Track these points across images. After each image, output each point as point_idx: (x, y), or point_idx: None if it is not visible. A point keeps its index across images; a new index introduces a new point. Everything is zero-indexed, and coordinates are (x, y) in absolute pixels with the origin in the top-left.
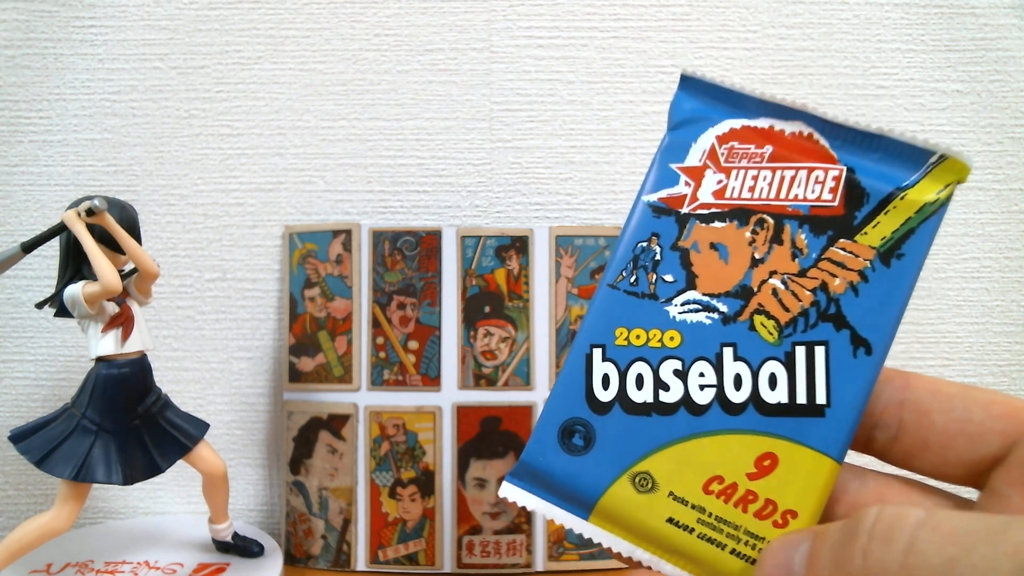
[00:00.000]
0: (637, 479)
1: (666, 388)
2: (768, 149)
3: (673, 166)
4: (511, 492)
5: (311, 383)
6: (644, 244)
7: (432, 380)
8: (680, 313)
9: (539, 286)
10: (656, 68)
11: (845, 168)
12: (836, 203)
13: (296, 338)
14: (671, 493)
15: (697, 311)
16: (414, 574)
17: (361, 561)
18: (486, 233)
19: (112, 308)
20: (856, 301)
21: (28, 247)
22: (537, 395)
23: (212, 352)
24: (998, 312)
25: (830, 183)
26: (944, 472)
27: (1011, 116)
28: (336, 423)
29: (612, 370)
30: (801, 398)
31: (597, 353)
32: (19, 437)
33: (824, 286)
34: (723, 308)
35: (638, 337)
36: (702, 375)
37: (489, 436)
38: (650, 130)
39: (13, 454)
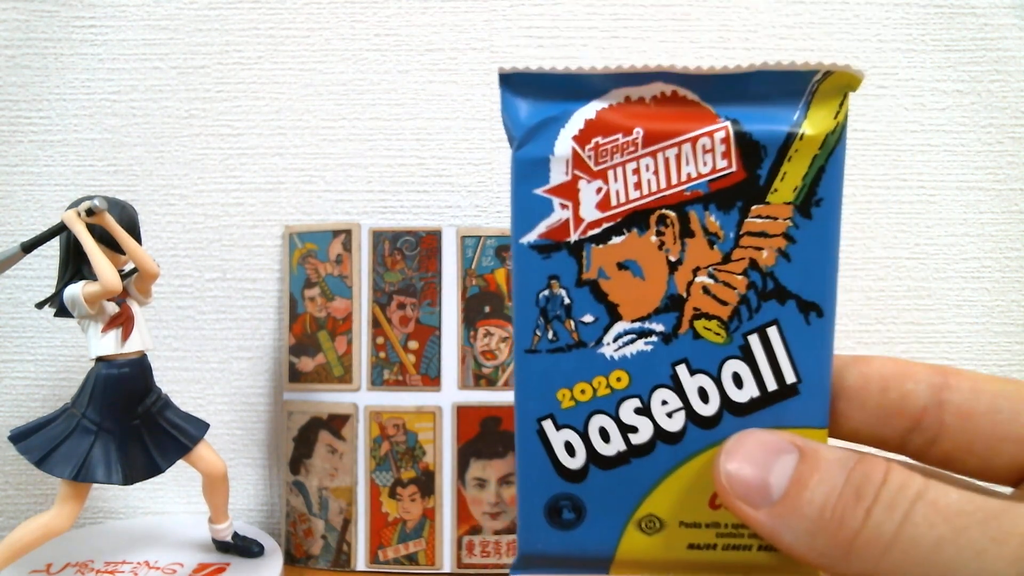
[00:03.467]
0: (643, 524)
1: (634, 430)
2: (639, 132)
3: (538, 192)
4: None
5: (311, 383)
6: (545, 293)
7: (432, 380)
8: (616, 351)
9: None
10: None
11: (729, 123)
12: (734, 167)
13: (296, 338)
14: (681, 522)
15: (633, 341)
16: (414, 574)
17: (361, 561)
18: (486, 233)
19: (112, 308)
20: (790, 267)
21: (28, 247)
22: None
23: (212, 352)
24: (998, 312)
25: (720, 147)
26: (988, 475)
27: (1011, 116)
28: (336, 423)
29: (572, 436)
30: (772, 385)
31: (548, 425)
32: (19, 437)
33: (754, 264)
34: (659, 328)
35: (583, 392)
36: (665, 403)
37: (489, 436)
38: None
39: (13, 454)
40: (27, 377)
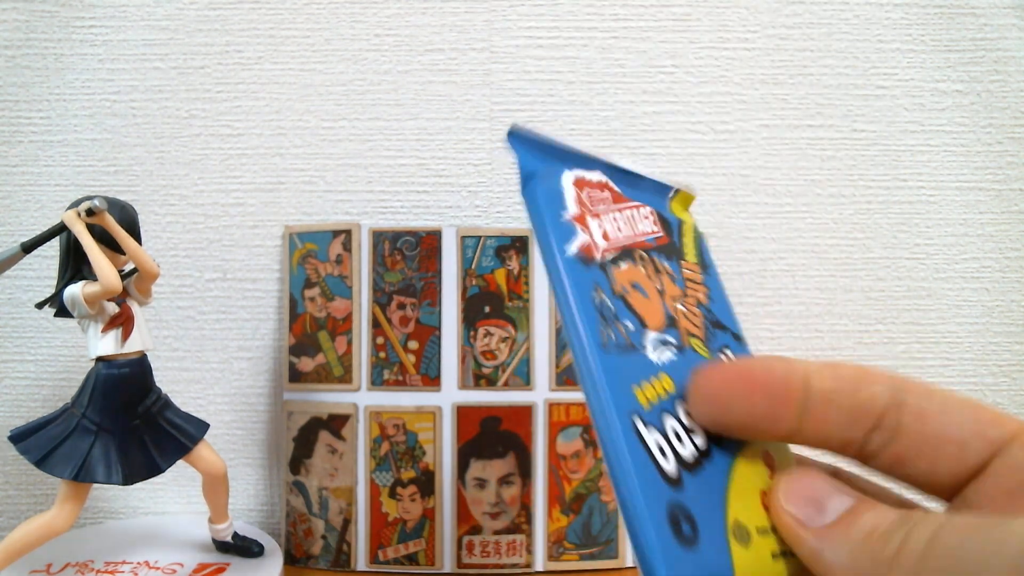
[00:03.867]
0: (736, 534)
1: (692, 431)
2: (607, 194)
3: (564, 217)
4: None
5: (311, 383)
6: (595, 296)
7: (432, 380)
8: (658, 356)
9: (539, 286)
10: (656, 68)
11: (650, 206)
12: (661, 233)
13: (296, 338)
14: (757, 529)
15: (663, 349)
16: (414, 574)
17: (361, 561)
18: (486, 233)
19: (112, 308)
20: (714, 306)
21: (28, 247)
22: (537, 395)
23: (212, 352)
24: (998, 312)
25: (651, 217)
26: (932, 480)
27: (1011, 116)
28: (336, 423)
29: (659, 436)
30: None
31: (640, 424)
32: (19, 437)
33: (698, 302)
34: (673, 340)
35: (653, 390)
36: None
37: (489, 436)
38: (650, 130)
39: (13, 454)
40: (27, 377)
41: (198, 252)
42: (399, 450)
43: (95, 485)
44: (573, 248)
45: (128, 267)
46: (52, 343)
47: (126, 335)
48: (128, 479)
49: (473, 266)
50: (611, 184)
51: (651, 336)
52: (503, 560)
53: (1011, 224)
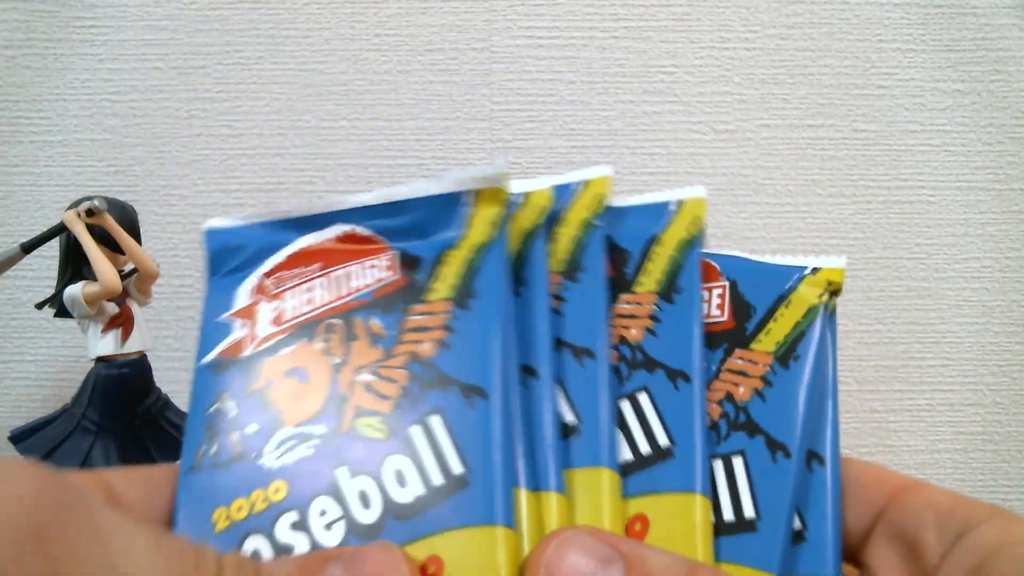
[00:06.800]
0: None
1: (289, 550)
2: (318, 263)
3: (221, 318)
4: None
5: None
6: (215, 407)
7: None
8: (277, 459)
9: None
10: (656, 68)
11: (397, 251)
12: (396, 275)
13: None
14: None
15: (294, 447)
16: None
17: None
18: None
19: (112, 308)
20: (451, 354)
21: (28, 247)
22: None
23: None
24: (998, 312)
25: (384, 263)
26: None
27: (1011, 116)
28: None
29: None
30: (439, 479)
31: None
32: (19, 437)
33: (414, 356)
34: (320, 430)
35: (240, 509)
36: (324, 513)
37: None
38: (650, 130)
39: (13, 454)
40: (27, 377)
41: (198, 252)
42: None
43: None
44: (214, 353)
45: (128, 267)
46: (52, 343)
47: (126, 335)
48: None
49: None
50: (362, 235)
51: (280, 435)
52: None
53: (1011, 224)
